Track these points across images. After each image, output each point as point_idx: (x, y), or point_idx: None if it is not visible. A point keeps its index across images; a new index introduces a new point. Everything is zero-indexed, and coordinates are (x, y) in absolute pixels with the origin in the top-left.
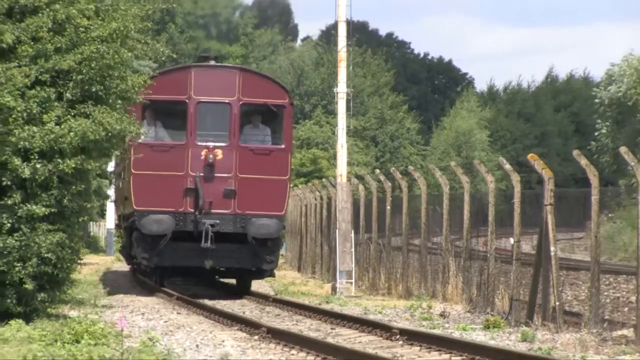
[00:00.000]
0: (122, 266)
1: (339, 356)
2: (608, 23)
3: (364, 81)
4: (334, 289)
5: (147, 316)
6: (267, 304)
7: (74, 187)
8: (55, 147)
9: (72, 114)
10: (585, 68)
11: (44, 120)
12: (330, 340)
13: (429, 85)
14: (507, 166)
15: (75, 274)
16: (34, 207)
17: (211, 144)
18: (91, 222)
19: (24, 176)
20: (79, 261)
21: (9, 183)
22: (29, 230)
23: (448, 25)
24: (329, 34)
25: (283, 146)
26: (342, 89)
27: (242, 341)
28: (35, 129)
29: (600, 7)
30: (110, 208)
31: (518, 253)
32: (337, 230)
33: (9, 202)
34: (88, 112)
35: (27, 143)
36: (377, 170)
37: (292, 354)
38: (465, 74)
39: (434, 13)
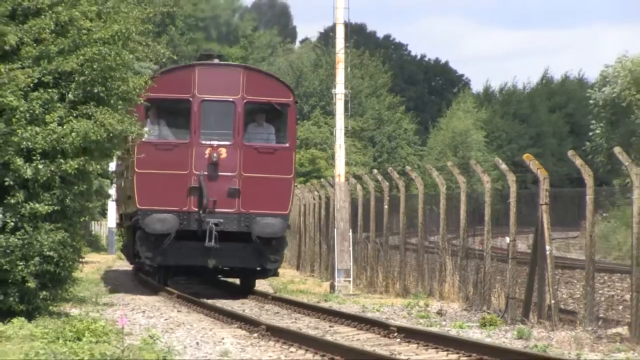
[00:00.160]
0: (123, 265)
1: (337, 353)
2: (607, 24)
3: (361, 82)
4: (332, 287)
5: (147, 314)
6: (267, 302)
7: (76, 187)
8: (58, 148)
9: (74, 115)
10: (580, 69)
11: (47, 120)
12: (328, 337)
13: (426, 86)
14: (503, 166)
15: (77, 272)
16: (37, 205)
17: (215, 143)
18: (93, 221)
19: (26, 176)
20: (80, 260)
21: (11, 183)
22: (31, 229)
23: (445, 27)
24: (327, 36)
25: (287, 145)
26: (340, 90)
27: (242, 339)
28: (37, 129)
29: (598, 8)
30: (112, 207)
31: (514, 252)
32: (335, 229)
33: (12, 201)
34: (90, 113)
35: (29, 143)
36: (375, 170)
37: (291, 352)
38: (462, 75)
39: (431, 15)
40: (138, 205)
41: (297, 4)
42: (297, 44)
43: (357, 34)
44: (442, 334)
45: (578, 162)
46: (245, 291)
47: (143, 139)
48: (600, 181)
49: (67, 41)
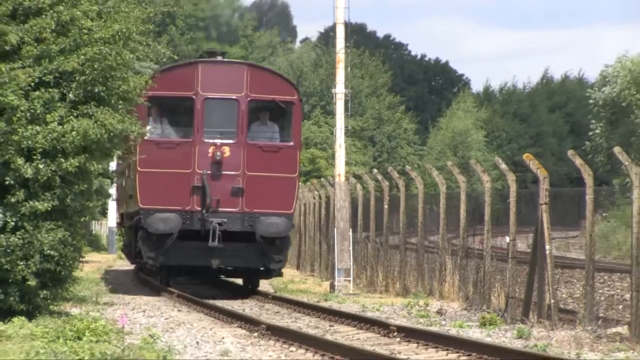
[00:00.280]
0: (124, 264)
1: (337, 353)
2: (607, 24)
3: (361, 82)
4: (332, 286)
5: (148, 313)
6: (267, 301)
7: (76, 186)
8: (58, 147)
9: (75, 114)
10: (580, 69)
11: (47, 120)
12: (328, 337)
13: (426, 86)
14: (503, 166)
15: (77, 271)
16: (36, 203)
17: (219, 141)
18: (93, 221)
19: (26, 176)
20: (81, 259)
21: (12, 182)
22: (31, 228)
23: (445, 27)
24: (328, 35)
25: (292, 143)
26: (340, 89)
27: (242, 338)
28: (38, 128)
29: (598, 8)
30: (112, 206)
31: (514, 251)
32: (335, 229)
33: (12, 200)
34: (90, 113)
35: (30, 142)
36: (375, 170)
37: (291, 351)
38: (462, 75)
39: (431, 15)
40: (140, 205)
41: (297, 4)
42: (298, 43)
43: (357, 34)
44: (442, 333)
45: (578, 161)
46: (249, 291)
47: (145, 138)
48: (600, 181)
49: (68, 41)
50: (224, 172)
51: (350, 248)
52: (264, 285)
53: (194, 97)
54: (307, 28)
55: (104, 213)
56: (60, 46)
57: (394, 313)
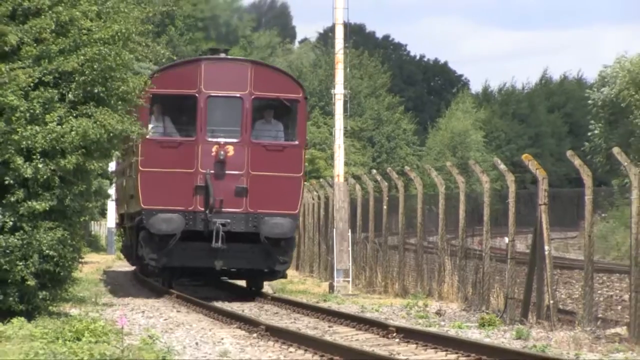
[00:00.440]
0: (123, 265)
1: (336, 354)
2: (607, 24)
3: (360, 83)
4: (331, 287)
5: (147, 314)
6: (266, 302)
7: (75, 187)
8: (57, 147)
9: (74, 114)
10: (579, 69)
11: (47, 120)
12: (327, 338)
13: (425, 86)
14: (502, 166)
15: (77, 272)
16: (35, 203)
17: (222, 140)
18: (92, 221)
19: (26, 175)
20: (80, 260)
21: (11, 182)
22: (30, 229)
23: (444, 27)
24: (327, 36)
25: (297, 142)
26: (339, 90)
27: (241, 339)
28: (37, 128)
29: (598, 8)
30: (111, 207)
31: (513, 252)
32: (334, 230)
33: (12, 199)
34: (90, 113)
35: (29, 142)
36: (374, 171)
37: (290, 352)
38: (461, 75)
39: (430, 16)
40: (142, 205)
41: (296, 4)
42: (297, 44)
43: (357, 34)
44: (441, 334)
45: (577, 162)
46: (254, 294)
47: (147, 137)
48: (599, 181)
49: (68, 41)
50: (227, 172)
51: (349, 249)
52: (264, 286)
53: (197, 95)
54: (306, 29)
55: (103, 214)
56: (60, 46)
57: (393, 314)
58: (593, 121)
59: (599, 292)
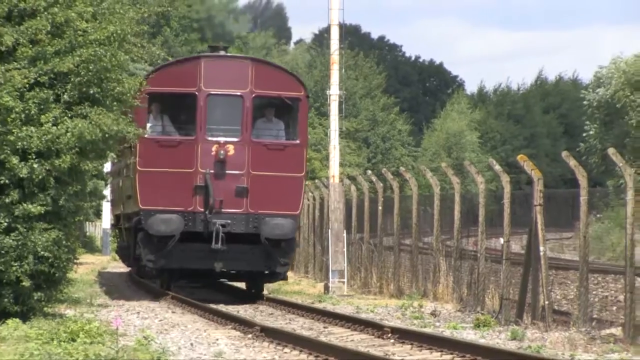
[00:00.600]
0: (118, 266)
1: (331, 354)
2: (606, 24)
3: (356, 84)
4: (326, 288)
5: (142, 315)
6: (261, 302)
7: (70, 187)
8: (53, 148)
9: (69, 115)
10: (575, 70)
11: (42, 121)
12: (322, 338)
13: (420, 87)
14: (497, 167)
15: (72, 273)
16: (30, 206)
17: (222, 139)
18: (87, 222)
19: (21, 175)
20: (75, 260)
21: (6, 182)
22: (25, 230)
23: (439, 29)
24: (322, 37)
25: (298, 141)
26: (334, 91)
27: (236, 340)
28: (33, 129)
29: (598, 8)
30: (106, 208)
31: (508, 253)
32: (329, 230)
33: (7, 200)
34: (85, 114)
35: (25, 143)
36: (369, 171)
37: (285, 352)
38: (456, 76)
39: (425, 17)
40: (140, 206)
41: (292, 5)
42: (292, 45)
43: (352, 35)
44: (436, 334)
45: (572, 163)
46: (254, 296)
47: (146, 136)
48: (594, 182)
49: (63, 42)
50: (227, 172)
51: (345, 249)
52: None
53: (196, 93)
54: (302, 29)
55: (98, 214)
56: (56, 47)
57: (388, 314)
58: (588, 122)
59: (594, 292)
